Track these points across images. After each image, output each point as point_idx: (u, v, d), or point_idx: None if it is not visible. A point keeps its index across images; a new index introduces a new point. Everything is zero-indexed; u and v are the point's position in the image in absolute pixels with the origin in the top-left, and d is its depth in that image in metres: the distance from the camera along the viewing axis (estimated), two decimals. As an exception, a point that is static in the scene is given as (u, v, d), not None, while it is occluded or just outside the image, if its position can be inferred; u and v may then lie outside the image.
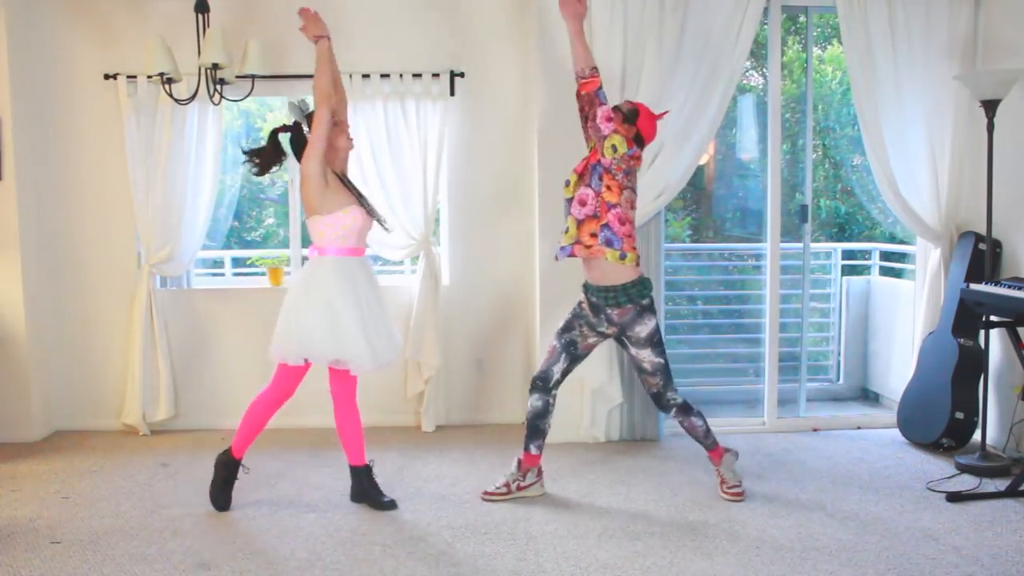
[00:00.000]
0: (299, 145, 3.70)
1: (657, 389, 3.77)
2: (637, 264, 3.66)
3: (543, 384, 3.85)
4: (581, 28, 3.72)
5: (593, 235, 3.63)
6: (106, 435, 4.95)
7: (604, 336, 3.83)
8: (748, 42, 4.56)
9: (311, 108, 3.66)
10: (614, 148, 3.58)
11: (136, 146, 4.83)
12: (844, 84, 5.92)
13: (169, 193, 4.85)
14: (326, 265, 3.57)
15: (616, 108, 3.71)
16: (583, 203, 3.65)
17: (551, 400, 3.86)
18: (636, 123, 3.68)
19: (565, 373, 3.88)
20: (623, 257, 3.61)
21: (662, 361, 3.73)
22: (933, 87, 4.65)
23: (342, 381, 3.74)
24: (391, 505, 3.76)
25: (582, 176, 3.69)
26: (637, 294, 3.65)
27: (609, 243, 3.62)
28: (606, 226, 3.62)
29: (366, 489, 3.79)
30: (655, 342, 3.71)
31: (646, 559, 3.25)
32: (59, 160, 4.95)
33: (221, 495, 3.75)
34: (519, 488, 3.88)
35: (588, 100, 3.66)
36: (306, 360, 3.56)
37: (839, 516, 3.66)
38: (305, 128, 3.68)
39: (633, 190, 3.70)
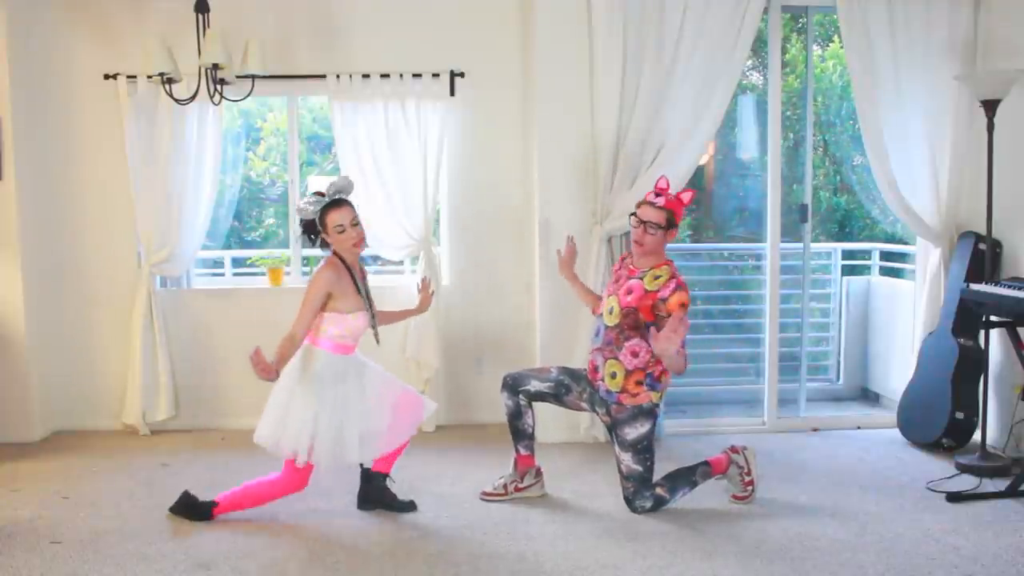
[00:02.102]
0: (308, 230, 3.60)
1: (627, 494, 3.70)
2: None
3: (512, 384, 3.81)
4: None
5: (639, 383, 3.63)
6: (106, 435, 4.95)
7: (598, 415, 3.83)
8: (748, 42, 4.56)
9: (328, 199, 3.53)
10: (684, 306, 3.54)
11: (136, 146, 4.83)
12: (845, 79, 5.92)
13: (169, 193, 4.85)
14: (320, 359, 3.51)
15: (656, 226, 3.59)
16: (635, 354, 3.61)
17: (522, 401, 3.80)
18: (676, 223, 3.65)
19: (540, 395, 3.82)
20: (661, 395, 3.68)
21: (640, 469, 3.65)
22: (933, 87, 4.65)
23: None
24: (411, 506, 3.77)
25: (627, 315, 3.59)
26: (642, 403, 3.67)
27: (653, 388, 3.65)
28: (650, 374, 3.63)
29: (373, 496, 3.77)
30: (639, 449, 3.64)
31: (646, 559, 3.25)
32: (59, 160, 4.95)
33: (180, 511, 3.70)
34: (517, 489, 3.86)
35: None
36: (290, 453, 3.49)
37: (839, 516, 3.66)
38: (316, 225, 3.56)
39: None
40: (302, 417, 3.44)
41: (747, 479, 3.78)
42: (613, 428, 3.70)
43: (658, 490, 3.68)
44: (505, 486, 3.86)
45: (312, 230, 3.58)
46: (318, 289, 3.45)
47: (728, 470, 3.79)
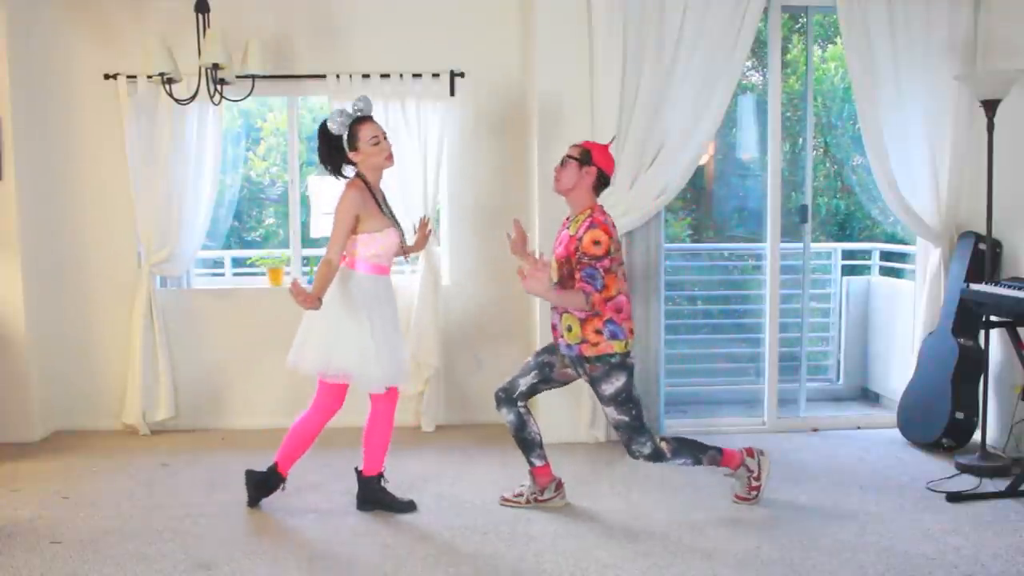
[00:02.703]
0: (331, 154, 3.63)
1: (623, 441, 3.67)
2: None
3: (506, 395, 3.75)
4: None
5: (598, 332, 3.54)
6: (106, 435, 4.95)
7: (580, 376, 3.74)
8: (748, 42, 4.56)
9: (357, 115, 3.61)
10: (597, 243, 3.42)
11: (136, 146, 4.84)
12: (846, 81, 5.94)
13: (169, 193, 4.85)
14: (360, 281, 3.58)
15: (570, 158, 3.56)
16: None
17: (521, 411, 3.74)
18: (593, 162, 3.55)
19: (533, 389, 3.76)
20: (627, 345, 3.57)
21: (626, 419, 3.59)
22: (933, 87, 4.65)
23: (388, 392, 3.74)
24: (410, 506, 3.76)
25: (562, 267, 3.54)
26: (609, 356, 3.56)
27: (615, 336, 3.54)
28: (610, 321, 3.54)
29: (371, 498, 3.77)
30: (620, 401, 3.58)
31: (646, 559, 3.25)
32: (59, 160, 4.95)
33: (257, 495, 3.79)
34: (537, 501, 3.81)
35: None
36: (327, 373, 3.57)
37: (839, 516, 3.66)
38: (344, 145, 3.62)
39: (622, 263, 3.59)
40: (357, 339, 3.51)
41: (755, 483, 3.77)
42: (591, 385, 3.65)
43: (662, 444, 3.63)
44: (524, 496, 3.81)
45: (334, 156, 3.60)
46: (346, 209, 3.51)
47: (737, 469, 3.77)
